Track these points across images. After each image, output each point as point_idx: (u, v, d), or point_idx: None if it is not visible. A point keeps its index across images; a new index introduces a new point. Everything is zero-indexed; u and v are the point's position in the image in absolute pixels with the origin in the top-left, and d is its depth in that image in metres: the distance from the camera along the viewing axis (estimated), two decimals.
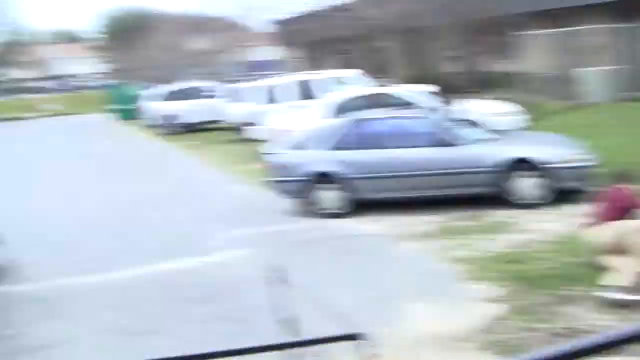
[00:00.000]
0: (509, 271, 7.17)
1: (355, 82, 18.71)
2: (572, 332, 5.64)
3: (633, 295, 5.99)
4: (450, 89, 16.76)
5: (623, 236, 6.18)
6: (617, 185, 6.50)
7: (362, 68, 20.96)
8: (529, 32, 22.41)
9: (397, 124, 11.11)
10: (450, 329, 5.95)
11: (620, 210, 6.33)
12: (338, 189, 10.58)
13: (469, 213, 9.91)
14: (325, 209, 10.63)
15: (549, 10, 22.21)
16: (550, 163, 9.94)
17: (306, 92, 18.97)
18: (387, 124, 11.14)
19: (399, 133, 10.87)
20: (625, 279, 6.03)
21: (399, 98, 15.03)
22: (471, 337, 5.86)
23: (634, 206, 6.34)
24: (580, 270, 6.92)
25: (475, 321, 6.07)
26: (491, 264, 7.52)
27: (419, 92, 15.67)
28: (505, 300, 6.53)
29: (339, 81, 18.88)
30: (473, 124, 12.03)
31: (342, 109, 13.77)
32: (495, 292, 6.75)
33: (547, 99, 20.60)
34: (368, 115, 11.50)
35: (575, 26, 21.67)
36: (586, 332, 5.61)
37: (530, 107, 19.33)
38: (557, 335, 5.65)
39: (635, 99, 19.28)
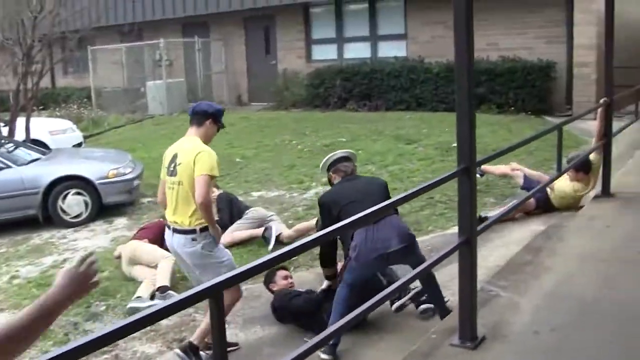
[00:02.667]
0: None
1: None
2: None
3: (146, 302, 6.20)
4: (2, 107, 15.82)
5: (135, 252, 6.93)
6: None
7: None
8: (96, 46, 22.29)
9: None
10: None
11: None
12: None
13: (12, 238, 9.35)
14: None
15: (116, 26, 22.36)
16: (98, 179, 9.88)
17: None
18: None
19: None
20: (144, 290, 6.28)
21: None
22: None
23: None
24: (115, 284, 6.97)
25: None
26: (25, 290, 7.11)
27: None
28: None
29: None
30: (24, 143, 11.48)
31: None
32: None
33: (114, 113, 20.68)
34: None
35: (141, 41, 22.12)
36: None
37: (91, 122, 19.22)
38: None
39: None
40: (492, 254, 6.43)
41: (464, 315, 3.95)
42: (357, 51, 18.94)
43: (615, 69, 7.08)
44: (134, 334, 5.64)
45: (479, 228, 4.10)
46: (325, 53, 19.68)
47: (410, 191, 3.64)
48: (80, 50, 21.67)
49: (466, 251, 3.91)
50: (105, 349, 5.54)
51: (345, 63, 18.27)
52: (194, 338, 5.17)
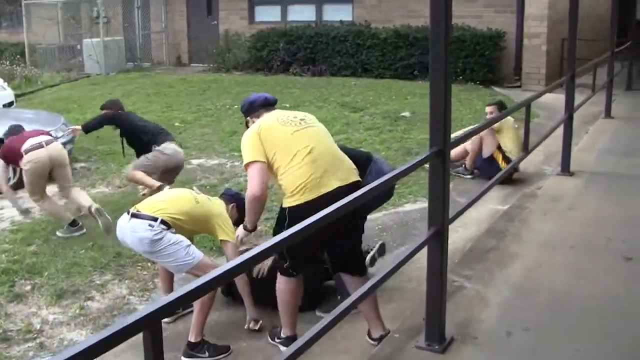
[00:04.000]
0: None
1: None
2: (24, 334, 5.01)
3: None
4: None
5: None
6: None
7: None
8: (31, 1, 21.12)
9: None
10: None
11: None
12: None
13: None
14: None
15: None
16: None
17: None
18: None
19: None
20: None
21: None
22: None
23: None
24: (42, 260, 6.32)
25: None
26: None
27: None
28: None
29: None
30: None
31: None
32: None
33: (49, 72, 19.70)
34: None
35: None
36: None
37: (24, 80, 18.22)
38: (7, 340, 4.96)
39: (134, 70, 19.54)
40: (451, 235, 6.04)
41: (431, 315, 3.54)
42: (302, 13, 18.31)
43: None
44: (62, 320, 5.21)
45: (450, 216, 3.66)
46: (268, 15, 18.98)
47: (377, 182, 3.11)
48: (15, 4, 20.61)
49: (436, 245, 3.48)
50: (28, 336, 5.01)
51: (289, 25, 17.64)
52: (190, 337, 4.60)
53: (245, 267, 2.26)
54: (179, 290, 1.87)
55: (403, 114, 11.31)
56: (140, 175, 7.47)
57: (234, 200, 5.13)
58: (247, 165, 4.13)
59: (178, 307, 1.96)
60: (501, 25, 14.87)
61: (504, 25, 14.87)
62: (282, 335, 4.53)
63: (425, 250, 3.47)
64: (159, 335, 1.73)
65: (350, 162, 4.24)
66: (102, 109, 8.11)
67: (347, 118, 11.37)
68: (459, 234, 6.03)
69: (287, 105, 12.62)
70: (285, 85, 14.98)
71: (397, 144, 9.54)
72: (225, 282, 2.19)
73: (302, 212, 3.65)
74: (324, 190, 3.95)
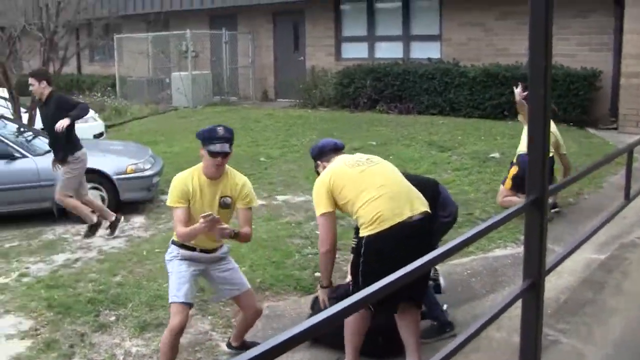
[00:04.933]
0: (52, 298, 6.26)
1: None
2: None
3: None
4: (26, 93, 15.29)
5: None
6: None
7: None
8: (122, 35, 21.88)
9: None
10: None
11: None
12: None
13: (26, 231, 8.87)
14: None
15: (142, 14, 21.91)
16: (115, 174, 9.37)
17: None
18: None
19: None
20: None
21: None
22: None
23: None
24: (127, 291, 6.36)
25: None
26: (33, 291, 6.53)
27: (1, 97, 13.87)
28: (36, 333, 5.62)
29: None
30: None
31: None
32: (28, 324, 5.79)
33: (138, 103, 20.26)
34: None
35: (168, 31, 21.70)
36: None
37: (114, 112, 18.78)
38: None
39: (221, 104, 19.89)
40: None
41: None
42: (389, 51, 18.26)
43: None
44: (144, 352, 5.19)
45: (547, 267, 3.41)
46: (355, 51, 19.02)
47: (471, 232, 2.90)
48: (107, 38, 21.33)
49: (532, 297, 3.23)
50: None
51: (376, 62, 17.59)
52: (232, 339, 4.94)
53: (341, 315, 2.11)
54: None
55: (492, 154, 11.01)
56: None
57: None
58: (318, 215, 4.47)
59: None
60: (596, 64, 14.39)
61: (600, 64, 14.37)
62: None
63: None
64: None
65: (418, 192, 4.44)
66: None
67: (435, 157, 11.16)
68: (551, 284, 5.67)
69: (374, 143, 12.50)
70: (371, 123, 14.87)
71: (486, 186, 9.26)
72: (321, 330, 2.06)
73: (378, 240, 4.05)
74: (398, 219, 4.16)
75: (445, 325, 4.99)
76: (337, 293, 4.66)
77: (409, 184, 4.44)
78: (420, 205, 4.32)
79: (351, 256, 4.68)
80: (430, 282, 5.11)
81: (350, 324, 4.40)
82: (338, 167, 4.49)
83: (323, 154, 4.80)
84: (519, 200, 7.81)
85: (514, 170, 7.96)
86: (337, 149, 4.79)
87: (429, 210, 4.35)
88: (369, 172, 4.39)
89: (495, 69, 15.17)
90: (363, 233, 4.22)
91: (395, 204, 4.20)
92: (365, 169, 4.40)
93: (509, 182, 7.99)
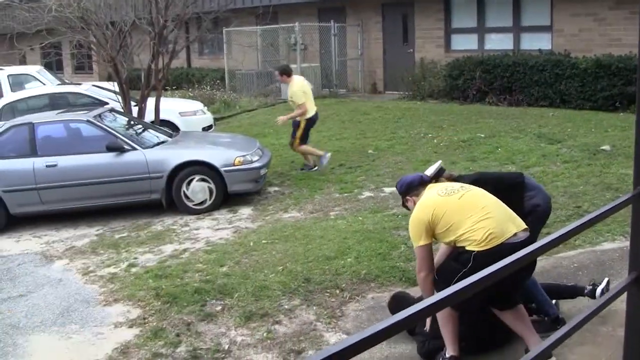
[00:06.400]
0: (160, 287, 6.57)
1: (46, 79, 17.34)
2: (212, 353, 5.29)
3: None
4: (136, 87, 16.00)
5: None
6: None
7: (57, 63, 19.50)
8: (231, 28, 22.44)
9: (62, 128, 10.09)
10: None
11: None
12: None
13: (135, 222, 9.33)
14: None
15: (251, 8, 22.36)
16: (223, 166, 9.59)
17: None
18: (51, 128, 10.01)
19: (64, 138, 9.96)
20: None
21: (90, 97, 14.03)
22: None
23: None
24: (234, 281, 6.57)
25: (105, 350, 5.47)
26: (142, 281, 6.88)
27: (112, 90, 14.44)
28: (144, 322, 5.92)
29: (26, 78, 17.38)
30: (153, 125, 11.42)
31: (12, 110, 12.50)
32: (136, 313, 6.12)
33: (247, 96, 20.72)
34: (27, 119, 10.18)
35: (276, 24, 22.04)
36: (221, 351, 5.30)
37: (223, 105, 19.29)
38: (196, 358, 5.25)
39: (329, 96, 20.09)
40: None
41: None
42: (499, 42, 18.00)
43: None
44: (249, 342, 5.41)
45: None
46: (464, 43, 18.85)
47: (574, 225, 2.96)
48: (216, 31, 21.86)
49: (637, 291, 3.25)
50: (217, 355, 5.25)
51: (486, 54, 17.37)
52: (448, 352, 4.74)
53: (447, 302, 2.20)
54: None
55: (603, 147, 10.74)
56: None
57: None
58: (416, 247, 4.68)
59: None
60: None
61: None
62: (447, 355, 4.66)
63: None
64: None
65: (512, 210, 4.63)
66: None
67: (544, 150, 10.98)
68: None
69: (482, 135, 12.42)
70: (480, 115, 14.75)
71: (596, 179, 9.07)
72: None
73: (488, 256, 4.10)
74: (508, 235, 4.35)
75: (556, 321, 4.96)
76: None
77: (503, 204, 4.63)
78: (520, 221, 4.53)
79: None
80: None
81: (441, 316, 4.61)
82: (433, 199, 4.66)
83: (411, 189, 4.99)
84: None
85: None
86: (424, 183, 4.97)
87: (527, 227, 4.52)
88: (467, 196, 4.58)
89: (607, 60, 14.72)
90: (472, 248, 4.39)
91: (501, 223, 4.41)
92: (462, 194, 4.60)
93: None
